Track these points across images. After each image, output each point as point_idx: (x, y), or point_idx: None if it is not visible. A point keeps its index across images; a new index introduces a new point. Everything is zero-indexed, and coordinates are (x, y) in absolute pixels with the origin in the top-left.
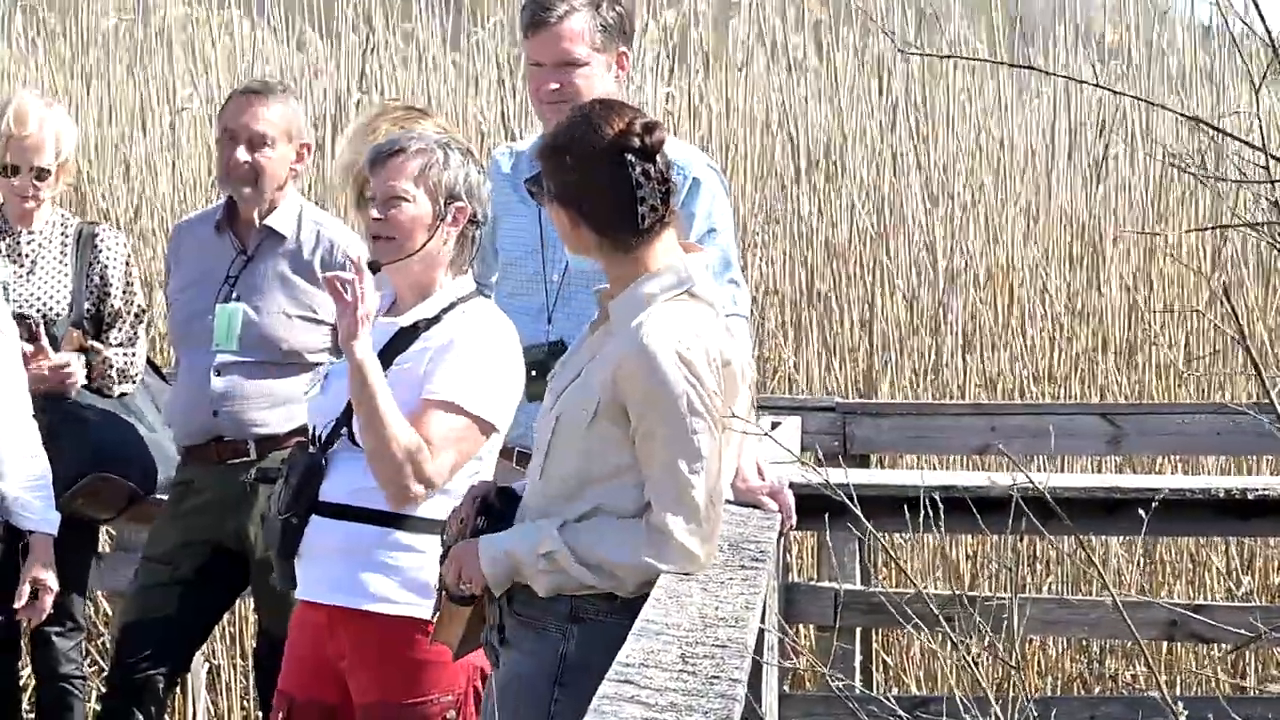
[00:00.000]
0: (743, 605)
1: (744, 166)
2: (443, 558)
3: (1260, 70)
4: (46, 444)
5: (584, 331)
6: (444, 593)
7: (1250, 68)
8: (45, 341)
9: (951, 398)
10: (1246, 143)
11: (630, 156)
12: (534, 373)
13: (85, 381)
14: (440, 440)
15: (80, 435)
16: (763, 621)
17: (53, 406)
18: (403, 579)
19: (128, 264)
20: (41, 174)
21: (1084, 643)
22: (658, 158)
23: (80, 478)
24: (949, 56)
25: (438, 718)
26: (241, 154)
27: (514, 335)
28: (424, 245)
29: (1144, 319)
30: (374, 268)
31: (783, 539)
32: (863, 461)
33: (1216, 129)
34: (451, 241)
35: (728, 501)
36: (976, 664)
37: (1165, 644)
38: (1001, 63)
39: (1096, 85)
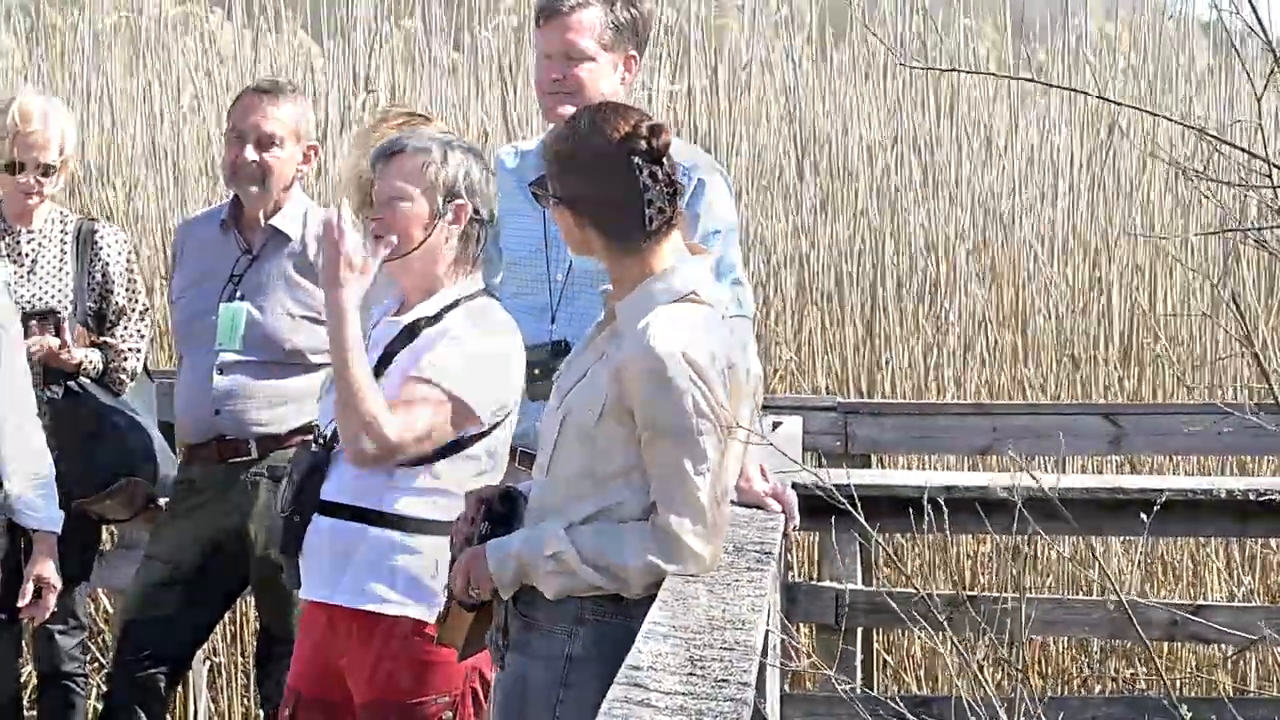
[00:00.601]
0: (749, 607)
1: (747, 166)
2: (450, 564)
3: (1263, 73)
4: (78, 444)
5: (589, 332)
6: (451, 598)
7: (1251, 74)
8: (70, 338)
9: (953, 397)
10: (1249, 152)
11: (637, 159)
12: (537, 372)
13: (99, 376)
14: (404, 406)
15: (113, 437)
16: (766, 623)
17: (76, 406)
18: (403, 580)
19: (129, 261)
20: (46, 170)
21: (1084, 643)
22: (664, 160)
23: (112, 479)
24: (950, 70)
25: (435, 718)
26: (250, 153)
27: (515, 332)
28: (421, 243)
29: (1147, 319)
30: None
31: (785, 539)
32: (864, 461)
33: (1219, 138)
34: (454, 240)
35: (731, 502)
36: (980, 665)
37: (1166, 645)
38: (1002, 75)
39: (1099, 97)
